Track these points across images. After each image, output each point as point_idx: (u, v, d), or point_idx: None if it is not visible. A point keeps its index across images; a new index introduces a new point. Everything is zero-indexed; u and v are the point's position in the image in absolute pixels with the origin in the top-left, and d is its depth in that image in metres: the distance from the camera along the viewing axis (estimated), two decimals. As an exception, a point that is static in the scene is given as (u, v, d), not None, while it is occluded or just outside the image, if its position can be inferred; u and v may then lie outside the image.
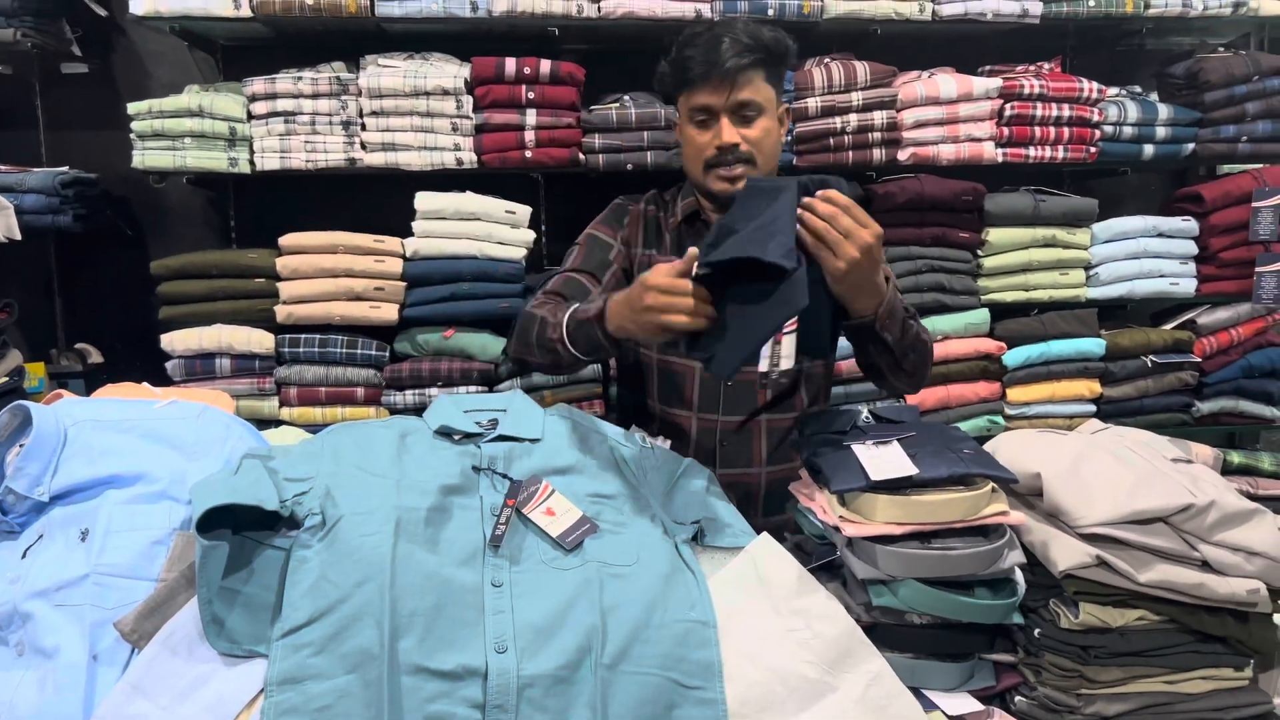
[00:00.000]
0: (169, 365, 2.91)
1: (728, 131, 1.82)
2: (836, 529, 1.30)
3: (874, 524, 1.26)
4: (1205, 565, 1.23)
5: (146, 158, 2.86)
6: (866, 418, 1.56)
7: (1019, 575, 1.30)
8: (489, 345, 2.95)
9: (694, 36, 1.84)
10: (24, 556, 1.21)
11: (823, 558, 1.39)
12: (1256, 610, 1.23)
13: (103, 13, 3.10)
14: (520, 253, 2.95)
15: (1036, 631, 1.25)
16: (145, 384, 1.65)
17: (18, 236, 2.73)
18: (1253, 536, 1.22)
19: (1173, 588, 1.21)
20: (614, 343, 1.61)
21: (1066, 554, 1.23)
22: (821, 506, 1.37)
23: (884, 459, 1.32)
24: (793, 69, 3.01)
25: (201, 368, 2.91)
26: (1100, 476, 1.30)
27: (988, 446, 1.45)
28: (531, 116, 2.90)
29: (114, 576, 1.17)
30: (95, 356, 3.20)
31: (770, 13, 2.90)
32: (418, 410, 2.93)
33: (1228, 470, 3.06)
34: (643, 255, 1.99)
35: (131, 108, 2.84)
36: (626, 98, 2.99)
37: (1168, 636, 1.23)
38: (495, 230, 2.93)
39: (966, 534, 1.26)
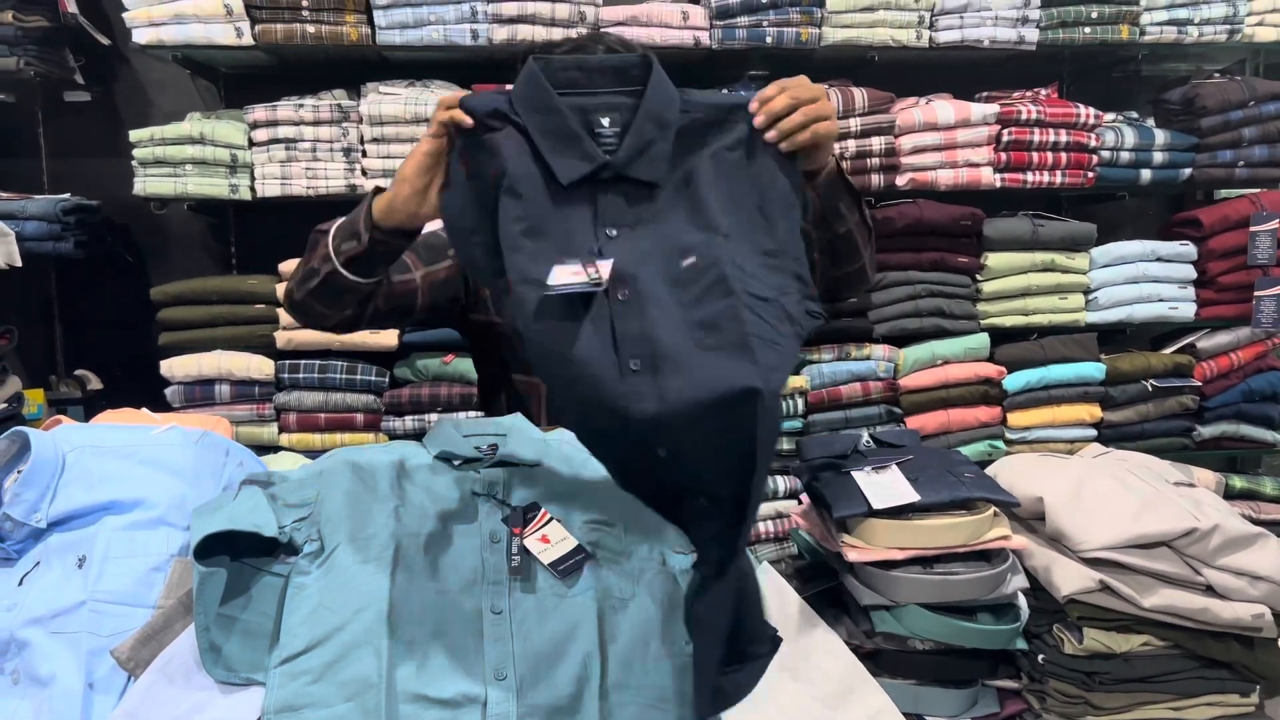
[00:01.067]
0: (168, 391, 2.91)
1: None
2: (838, 554, 1.29)
3: (876, 549, 1.25)
4: (1209, 590, 1.22)
5: (148, 185, 2.87)
6: (867, 442, 1.55)
7: (1022, 600, 1.29)
8: (489, 371, 2.94)
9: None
10: (20, 584, 1.19)
11: (822, 585, 1.38)
12: (1261, 635, 1.22)
13: (106, 41, 3.12)
14: (520, 279, 2.94)
15: (1040, 657, 1.24)
16: (144, 409, 1.65)
17: (18, 263, 2.74)
18: (1257, 561, 1.22)
19: (1177, 613, 1.20)
20: (389, 235, 1.41)
21: (1070, 578, 1.23)
22: (823, 532, 1.37)
23: (884, 485, 1.31)
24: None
25: (201, 394, 2.91)
26: (1103, 500, 1.30)
27: (989, 470, 1.45)
28: (531, 143, 2.90)
29: (111, 603, 1.16)
30: (94, 383, 3.20)
31: (769, 40, 2.92)
32: (417, 436, 2.92)
33: (1230, 495, 3.07)
34: None
35: (133, 135, 2.86)
36: (626, 124, 2.99)
37: (1172, 662, 1.23)
38: (495, 256, 2.92)
39: (969, 559, 1.25)
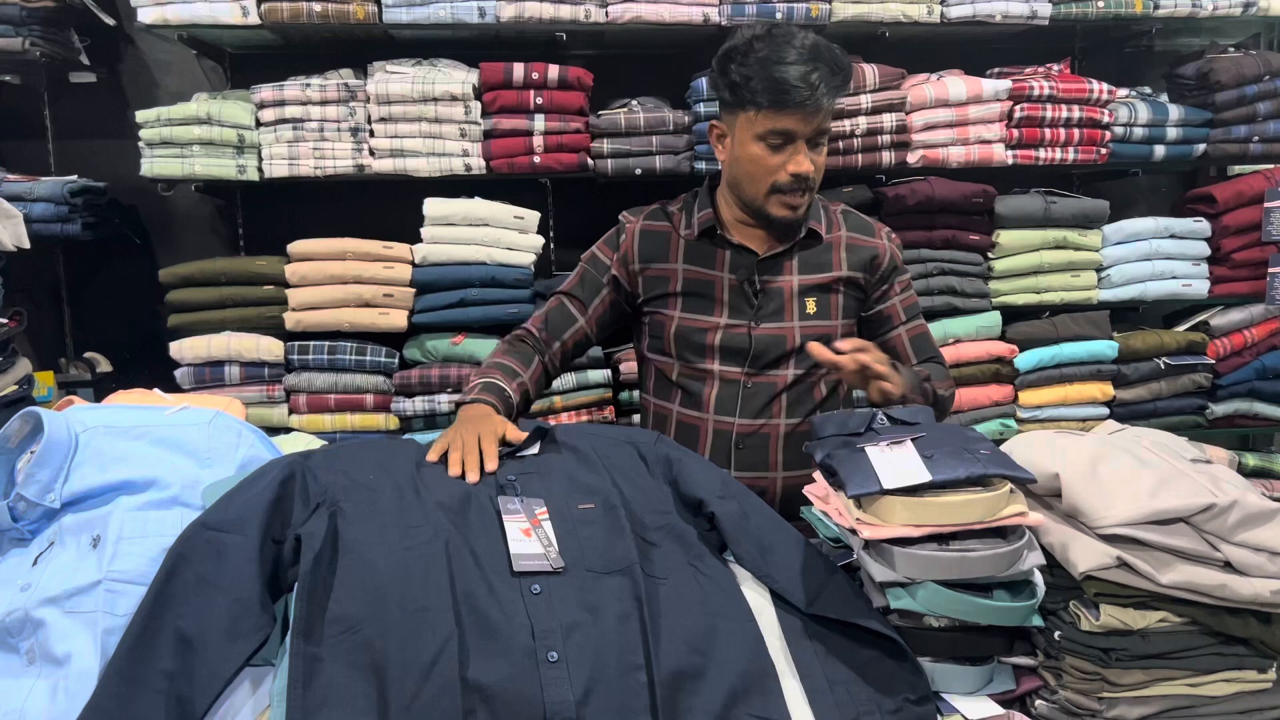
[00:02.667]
0: (178, 373, 2.90)
1: (806, 161, 1.79)
2: (853, 531, 1.28)
3: (891, 526, 1.24)
4: (1228, 566, 1.20)
5: (155, 166, 2.86)
6: (881, 419, 1.54)
7: (1038, 577, 1.27)
8: (498, 351, 2.93)
9: (762, 44, 1.76)
10: (35, 563, 1.20)
11: (838, 561, 1.38)
12: (1279, 611, 1.21)
13: (111, 22, 3.10)
14: (529, 258, 2.95)
15: (1057, 634, 1.23)
16: (156, 390, 1.64)
17: (27, 245, 2.73)
18: (1276, 537, 1.20)
19: (1195, 589, 1.19)
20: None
21: (1087, 555, 1.21)
22: (837, 509, 1.35)
23: (898, 463, 1.29)
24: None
25: (210, 375, 2.91)
26: (1120, 476, 1.28)
27: (1004, 447, 1.44)
28: (540, 122, 2.89)
29: (126, 583, 1.15)
30: (104, 365, 3.20)
31: (778, 16, 2.89)
32: (428, 417, 2.93)
33: (1243, 473, 3.07)
34: (642, 268, 1.98)
35: (140, 116, 2.84)
36: (634, 102, 2.98)
37: (1190, 639, 1.21)
38: (504, 236, 2.92)
39: (985, 535, 1.24)
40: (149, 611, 1.08)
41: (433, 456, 1.43)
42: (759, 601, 1.29)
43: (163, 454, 1.33)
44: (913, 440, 1.35)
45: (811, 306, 1.91)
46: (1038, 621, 1.25)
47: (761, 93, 1.74)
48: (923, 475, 1.26)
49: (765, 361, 1.91)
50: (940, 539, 1.23)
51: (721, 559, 1.35)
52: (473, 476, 1.37)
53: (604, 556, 1.24)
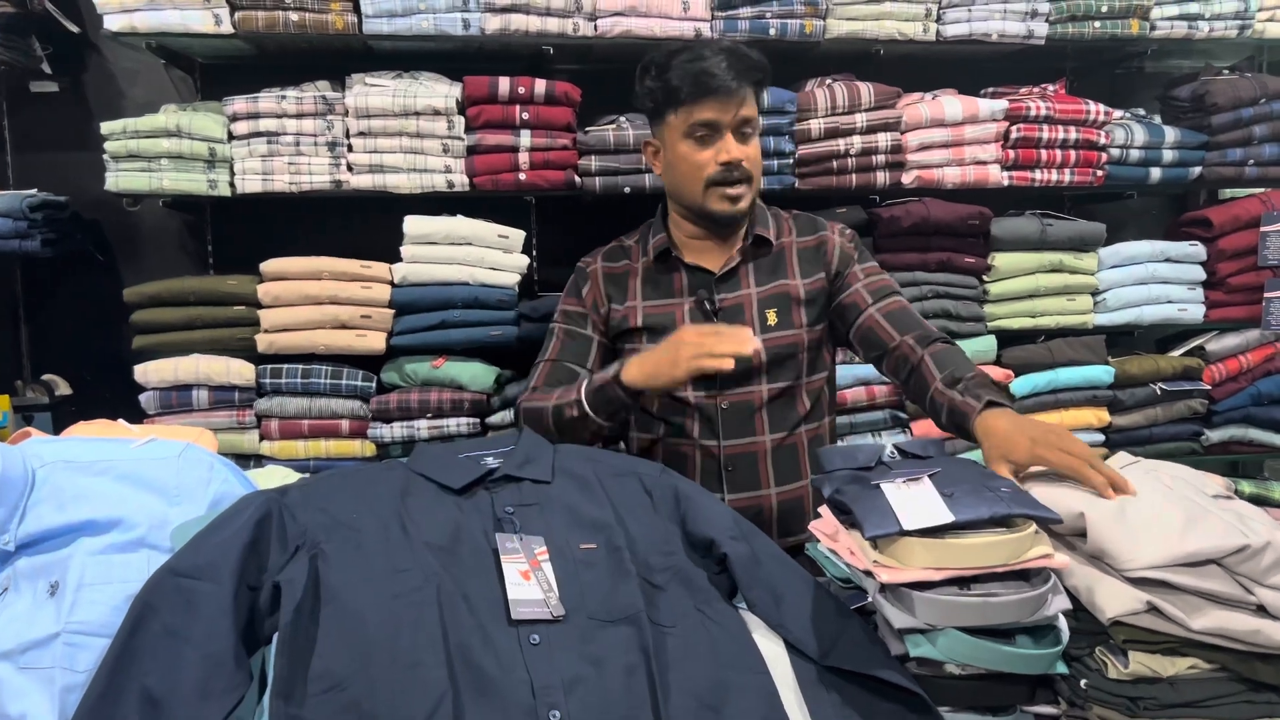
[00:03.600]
0: (143, 398, 2.79)
1: (735, 147, 1.83)
2: (868, 574, 1.21)
3: (910, 569, 1.17)
4: (1261, 610, 1.15)
5: (120, 180, 2.75)
6: (891, 453, 1.47)
7: (1062, 621, 1.21)
8: (480, 375, 2.84)
9: (685, 52, 1.83)
10: (-15, 614, 1.11)
11: (850, 604, 1.30)
12: (1312, 658, 1.15)
13: (75, 29, 2.99)
14: (513, 278, 2.86)
15: (1083, 682, 1.17)
16: (120, 421, 1.55)
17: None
18: (1311, 579, 1.14)
19: (1227, 634, 1.13)
20: (634, 396, 1.73)
21: (1114, 600, 1.16)
22: (849, 549, 1.28)
23: (918, 503, 1.22)
24: (795, 89, 2.96)
25: (177, 400, 2.79)
26: (1147, 517, 1.23)
27: (1025, 483, 1.39)
28: (526, 138, 2.81)
29: (86, 635, 1.08)
30: (63, 388, 3.07)
31: (771, 32, 2.84)
32: (406, 443, 2.83)
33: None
34: (612, 310, 1.98)
35: (105, 127, 2.74)
36: (623, 119, 2.91)
37: (1219, 685, 1.15)
38: (487, 255, 2.83)
39: (1008, 579, 1.17)
40: (112, 668, 1.01)
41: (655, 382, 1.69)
42: (772, 650, 1.22)
43: (128, 491, 1.25)
44: (930, 476, 1.28)
45: (772, 318, 1.92)
46: (1062, 669, 1.19)
47: (680, 88, 1.81)
48: (945, 516, 1.19)
49: (735, 378, 1.88)
50: (961, 582, 1.16)
51: (731, 604, 1.28)
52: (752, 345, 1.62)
53: (607, 603, 1.17)
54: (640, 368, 1.71)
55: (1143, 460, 1.48)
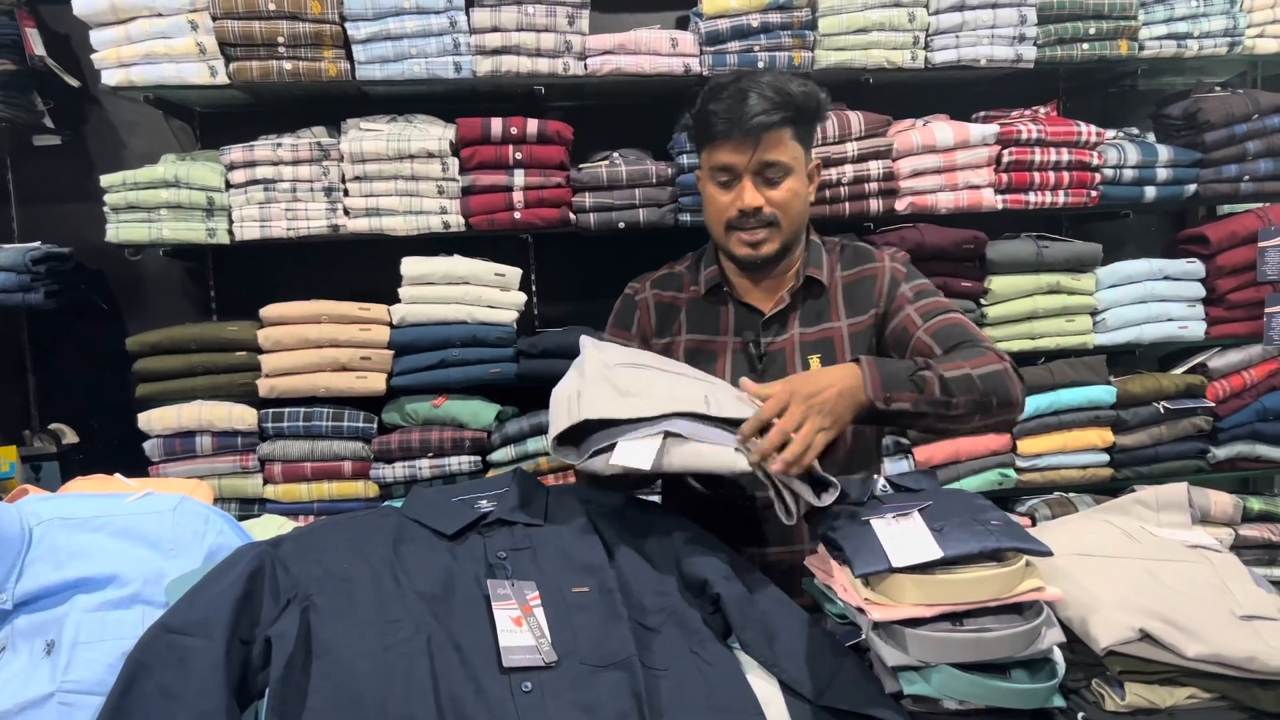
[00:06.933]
0: (147, 445, 2.80)
1: (750, 194, 1.71)
2: (860, 610, 1.21)
3: (902, 606, 1.18)
4: (1255, 634, 1.17)
5: (120, 231, 2.78)
6: (884, 487, 1.48)
7: (1058, 654, 1.21)
8: (480, 413, 2.85)
9: (719, 89, 1.73)
10: (-17, 673, 1.11)
11: (847, 640, 1.29)
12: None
13: (75, 83, 3.03)
14: (511, 316, 2.87)
15: (1080, 716, 1.17)
16: (118, 475, 1.56)
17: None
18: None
19: (1223, 661, 1.14)
20: None
21: (1108, 629, 1.17)
22: (843, 585, 1.29)
23: (907, 538, 1.23)
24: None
25: (181, 447, 2.80)
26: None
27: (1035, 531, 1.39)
28: (520, 177, 2.82)
29: (81, 694, 1.09)
30: (70, 437, 3.08)
31: (760, 65, 2.85)
32: (408, 483, 2.83)
33: (1247, 517, 3.00)
34: (657, 343, 1.87)
35: (104, 180, 2.76)
36: (616, 155, 2.92)
37: (1220, 715, 1.16)
38: (485, 294, 2.84)
39: (1000, 613, 1.17)
40: None
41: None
42: (767, 691, 1.21)
43: (123, 546, 1.27)
44: (919, 511, 1.28)
45: (815, 362, 1.79)
46: (1059, 702, 1.19)
47: (698, 129, 1.76)
48: (934, 551, 1.20)
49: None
50: (954, 618, 1.17)
51: (725, 645, 1.27)
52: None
53: (600, 648, 1.17)
54: None
55: (1115, 519, 1.49)
